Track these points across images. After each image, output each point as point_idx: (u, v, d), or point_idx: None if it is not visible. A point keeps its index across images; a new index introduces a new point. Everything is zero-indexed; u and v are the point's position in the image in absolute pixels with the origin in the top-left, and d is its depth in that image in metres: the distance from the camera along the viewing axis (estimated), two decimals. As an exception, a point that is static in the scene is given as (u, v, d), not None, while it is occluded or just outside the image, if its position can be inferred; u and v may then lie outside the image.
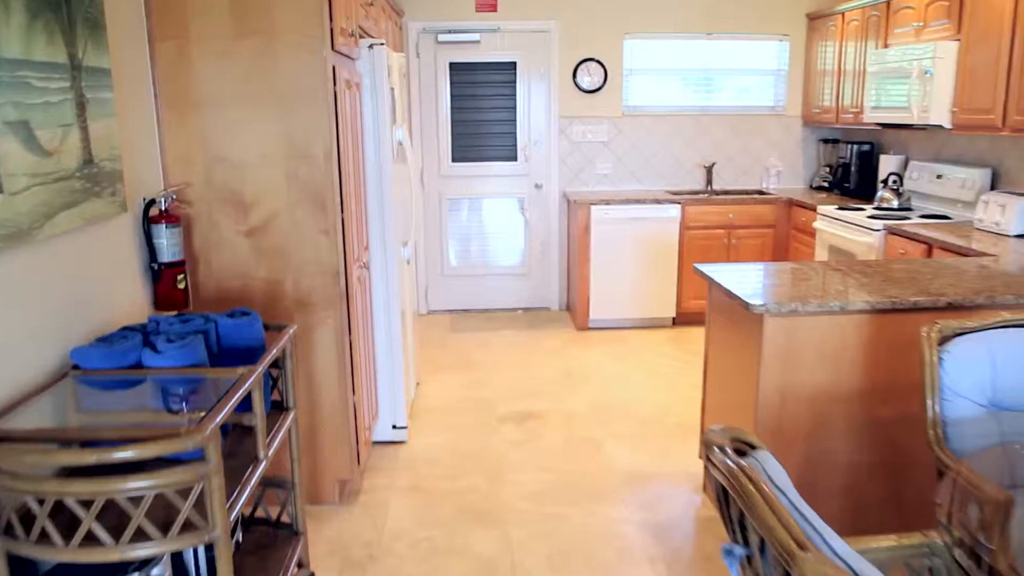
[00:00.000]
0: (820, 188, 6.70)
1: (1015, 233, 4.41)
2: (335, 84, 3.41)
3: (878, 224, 4.89)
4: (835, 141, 6.66)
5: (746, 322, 3.20)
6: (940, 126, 4.86)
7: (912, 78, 4.94)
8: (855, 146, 6.21)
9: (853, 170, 6.22)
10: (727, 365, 3.47)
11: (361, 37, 4.12)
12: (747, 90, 6.79)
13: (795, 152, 6.88)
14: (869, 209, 5.42)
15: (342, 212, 3.50)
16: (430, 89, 6.66)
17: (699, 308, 6.32)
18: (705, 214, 6.22)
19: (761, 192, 6.66)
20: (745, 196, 6.38)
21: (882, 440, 3.19)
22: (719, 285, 3.31)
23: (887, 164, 5.85)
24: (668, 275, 6.27)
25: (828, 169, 6.67)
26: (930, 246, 4.45)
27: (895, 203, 5.40)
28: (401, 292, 4.35)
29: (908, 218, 5.02)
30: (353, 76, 3.79)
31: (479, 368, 5.55)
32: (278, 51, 3.32)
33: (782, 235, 6.30)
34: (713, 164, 6.75)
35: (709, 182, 6.78)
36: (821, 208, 5.62)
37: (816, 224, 5.62)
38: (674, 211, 6.18)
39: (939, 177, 5.29)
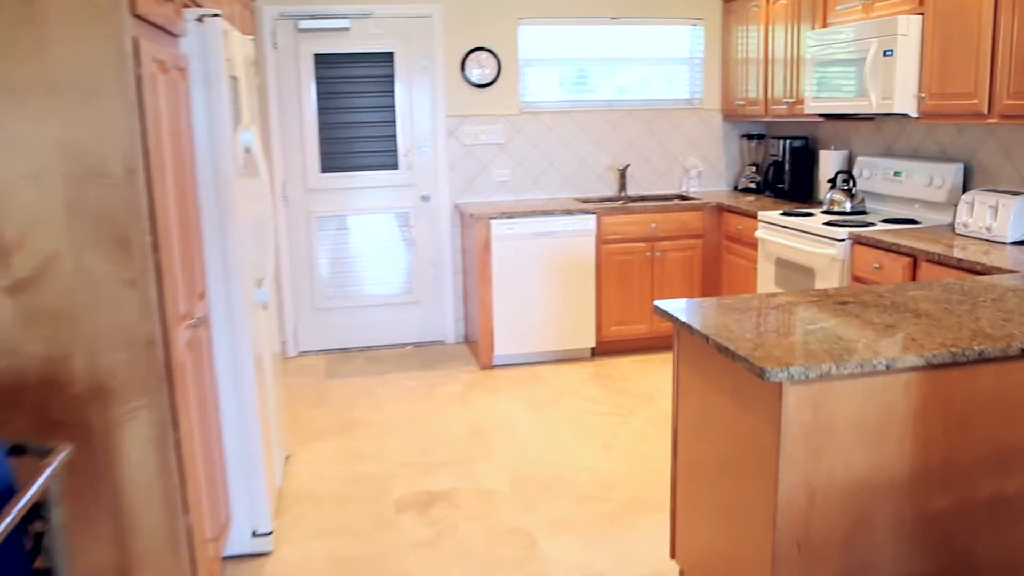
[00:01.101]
0: (747, 190, 5.94)
1: (1012, 240, 3.71)
2: (139, 66, 2.33)
3: (841, 232, 4.12)
4: (760, 137, 5.94)
5: (749, 389, 2.29)
6: (905, 115, 4.13)
7: (867, 61, 4.20)
8: (787, 142, 5.50)
9: (787, 168, 5.49)
10: (715, 439, 2.54)
11: (187, 7, 3.03)
12: (660, 81, 5.99)
13: (716, 150, 6.12)
14: (819, 214, 4.66)
15: (156, 251, 2.39)
16: (291, 86, 5.55)
17: (622, 336, 5.47)
18: (624, 225, 5.37)
19: (683, 197, 5.85)
20: (667, 202, 5.53)
21: (939, 541, 2.33)
22: (704, 337, 2.39)
23: (829, 161, 5.13)
24: (584, 298, 5.38)
25: (754, 168, 5.93)
26: (914, 258, 3.69)
27: (848, 206, 4.67)
28: (258, 350, 3.28)
29: (870, 223, 4.27)
30: (174, 58, 2.69)
31: (364, 429, 4.48)
32: (46, 18, 2.20)
33: (712, 246, 5.52)
34: (627, 167, 5.89)
35: (623, 187, 5.92)
36: (763, 214, 4.84)
37: (759, 233, 4.84)
38: (588, 222, 5.30)
39: (897, 175, 4.57)
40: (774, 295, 2.83)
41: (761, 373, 2.09)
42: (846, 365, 2.10)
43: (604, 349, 5.53)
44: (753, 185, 5.89)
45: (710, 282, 5.48)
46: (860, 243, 4.03)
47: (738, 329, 2.41)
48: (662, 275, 5.42)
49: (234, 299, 3.04)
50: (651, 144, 5.96)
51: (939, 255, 3.52)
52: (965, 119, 3.80)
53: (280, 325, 5.59)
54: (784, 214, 4.70)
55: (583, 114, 5.85)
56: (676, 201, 5.61)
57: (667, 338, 5.55)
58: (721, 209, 5.44)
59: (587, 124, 5.85)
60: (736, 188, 6.11)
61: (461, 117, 5.69)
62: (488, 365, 5.36)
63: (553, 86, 5.82)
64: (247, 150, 3.31)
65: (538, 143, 5.79)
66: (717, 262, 5.50)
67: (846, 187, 4.70)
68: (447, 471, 3.92)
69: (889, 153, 4.83)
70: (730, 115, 5.95)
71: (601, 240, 5.33)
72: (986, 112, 3.67)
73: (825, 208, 4.74)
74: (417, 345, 5.94)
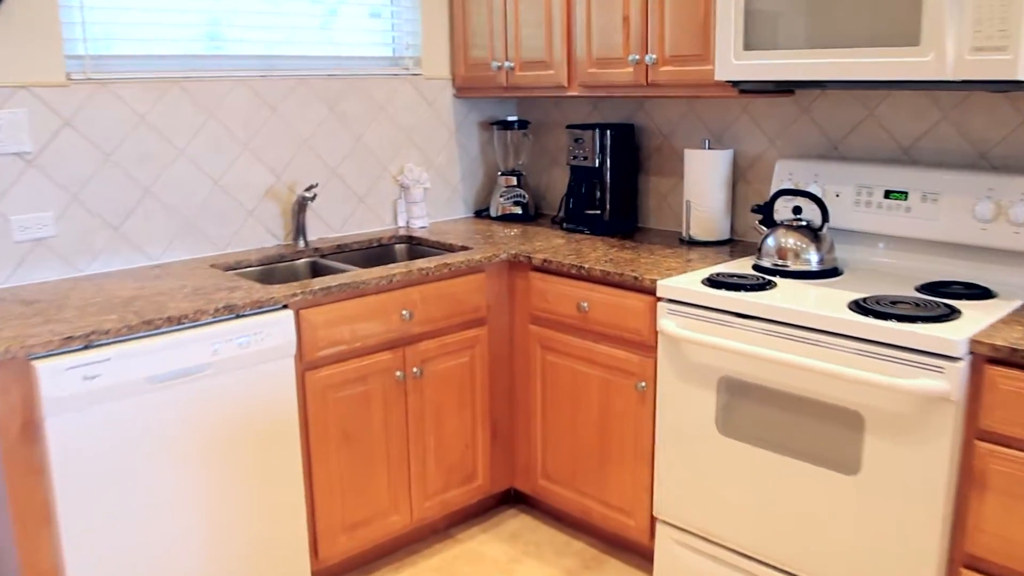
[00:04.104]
0: (510, 218, 3.27)
1: None
2: None
3: (956, 341, 1.78)
4: (521, 125, 3.27)
5: None
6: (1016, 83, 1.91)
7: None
8: (607, 134, 2.88)
9: (610, 182, 3.03)
10: None
11: None
12: (346, 26, 2.99)
13: (447, 150, 3.30)
14: (780, 280, 2.22)
15: None
16: None
17: (362, 546, 2.57)
18: (349, 319, 2.34)
19: (414, 240, 2.97)
20: (428, 262, 2.76)
21: None
22: None
23: (703, 168, 2.68)
24: (283, 493, 2.28)
25: (516, 180, 3.37)
26: None
27: (814, 258, 2.37)
28: None
29: (944, 307, 1.93)
30: None
31: None
32: None
33: (502, 339, 2.74)
34: (312, 189, 2.82)
35: (301, 230, 2.89)
36: (670, 283, 2.22)
37: (667, 324, 2.19)
38: (278, 329, 2.19)
39: (897, 197, 2.31)
40: None
41: None
42: None
43: (334, 574, 2.61)
44: (518, 209, 3.30)
45: (499, 418, 2.78)
46: (1003, 363, 1.79)
47: None
48: (424, 415, 2.56)
49: None
50: (342, 141, 2.98)
51: None
52: None
53: None
54: (713, 283, 2.22)
55: (212, 84, 2.63)
56: (440, 257, 2.84)
57: (432, 526, 2.71)
58: (519, 267, 2.70)
59: (220, 105, 2.66)
60: (483, 214, 3.37)
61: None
62: None
63: (143, 27, 2.59)
64: None
65: (116, 148, 2.46)
66: (516, 373, 2.78)
67: (803, 223, 2.41)
68: None
69: (835, 154, 2.57)
70: (470, 87, 3.18)
71: (306, 362, 2.34)
72: None
73: (770, 261, 2.32)
74: None
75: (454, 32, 3.18)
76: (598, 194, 2.92)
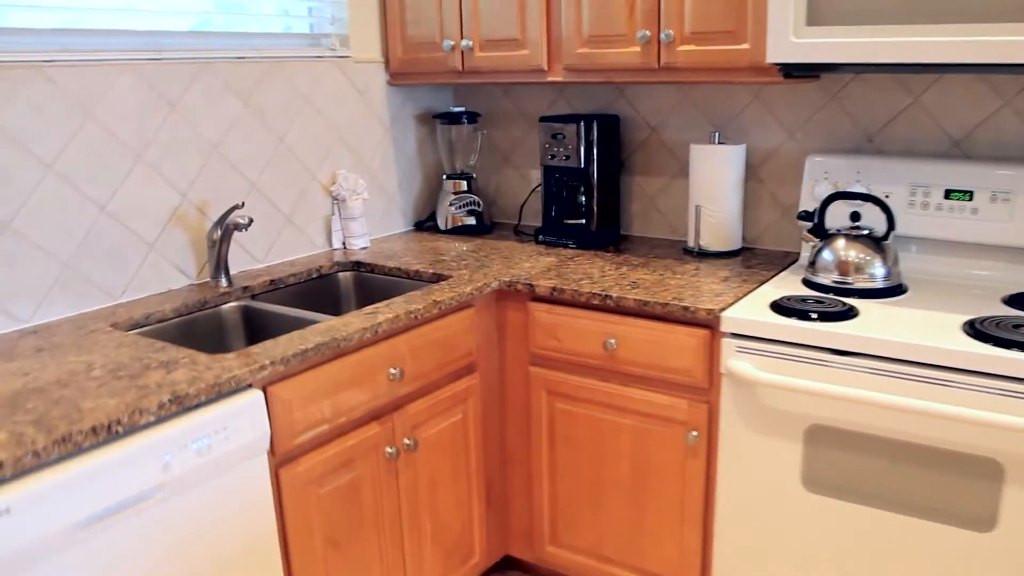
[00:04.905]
0: (462, 230, 2.68)
1: None
2: None
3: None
4: (470, 118, 2.66)
5: None
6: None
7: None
8: (592, 126, 2.36)
9: (596, 184, 2.50)
10: None
11: None
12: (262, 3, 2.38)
13: (382, 151, 2.65)
14: (819, 299, 1.82)
15: None
16: None
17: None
18: (329, 389, 1.71)
19: (363, 267, 2.31)
20: (414, 305, 2.22)
21: None
22: None
23: (713, 164, 2.23)
24: None
25: (466, 184, 2.78)
26: None
27: (879, 272, 2.03)
28: None
29: None
30: None
31: None
32: None
33: (493, 388, 2.21)
34: (237, 212, 2.12)
35: (222, 266, 2.18)
36: (733, 315, 1.74)
37: (738, 365, 1.72)
38: (247, 415, 1.53)
39: (959, 197, 2.02)
40: None
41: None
42: None
43: None
44: (472, 220, 2.73)
45: (492, 478, 2.25)
46: None
47: None
48: (418, 493, 1.97)
49: None
50: (261, 144, 2.25)
51: None
52: None
53: None
54: (783, 311, 1.78)
55: (87, 71, 1.86)
56: (425, 292, 2.23)
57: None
58: (513, 297, 2.15)
59: (101, 100, 1.89)
60: (426, 226, 2.77)
61: None
62: None
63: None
64: None
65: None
66: (509, 423, 2.24)
67: (864, 232, 2.03)
68: None
69: (869, 147, 2.17)
70: (409, 71, 2.54)
71: (280, 455, 1.67)
72: None
73: (828, 278, 1.91)
74: None
75: (387, 3, 2.56)
76: (582, 200, 2.44)
